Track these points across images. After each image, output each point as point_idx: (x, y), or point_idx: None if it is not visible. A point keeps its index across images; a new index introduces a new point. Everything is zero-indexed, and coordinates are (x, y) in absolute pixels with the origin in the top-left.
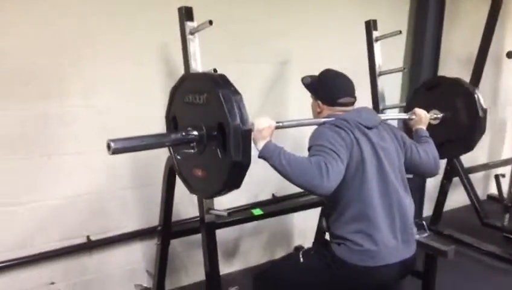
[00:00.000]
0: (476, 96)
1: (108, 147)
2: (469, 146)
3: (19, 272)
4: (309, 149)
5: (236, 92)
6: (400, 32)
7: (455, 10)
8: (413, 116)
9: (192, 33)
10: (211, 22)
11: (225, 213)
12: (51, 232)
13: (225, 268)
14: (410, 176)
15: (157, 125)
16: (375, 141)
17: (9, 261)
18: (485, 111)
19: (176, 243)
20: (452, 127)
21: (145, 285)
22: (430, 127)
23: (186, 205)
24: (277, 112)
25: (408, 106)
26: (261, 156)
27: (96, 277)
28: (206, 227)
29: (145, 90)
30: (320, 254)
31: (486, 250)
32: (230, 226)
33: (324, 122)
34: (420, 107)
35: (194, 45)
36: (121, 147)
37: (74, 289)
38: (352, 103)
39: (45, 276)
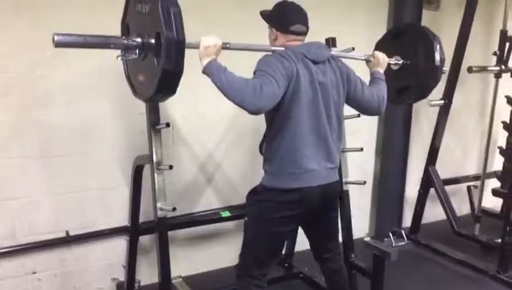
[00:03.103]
0: (435, 44)
1: (53, 39)
2: (424, 93)
3: (2, 261)
4: (254, 73)
5: (175, 4)
6: (353, 48)
7: (434, 24)
8: (371, 58)
9: None
10: None
11: (170, 208)
12: (32, 226)
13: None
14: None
15: None
16: (315, 75)
17: None
18: (442, 60)
19: (152, 241)
20: (411, 74)
21: (121, 279)
22: (392, 72)
23: None
24: None
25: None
26: (204, 71)
27: (76, 269)
28: (158, 222)
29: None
30: (252, 198)
31: (457, 259)
32: (193, 226)
33: (273, 51)
34: (384, 53)
35: None
36: (63, 41)
37: (54, 279)
38: (305, 33)
39: (27, 266)
